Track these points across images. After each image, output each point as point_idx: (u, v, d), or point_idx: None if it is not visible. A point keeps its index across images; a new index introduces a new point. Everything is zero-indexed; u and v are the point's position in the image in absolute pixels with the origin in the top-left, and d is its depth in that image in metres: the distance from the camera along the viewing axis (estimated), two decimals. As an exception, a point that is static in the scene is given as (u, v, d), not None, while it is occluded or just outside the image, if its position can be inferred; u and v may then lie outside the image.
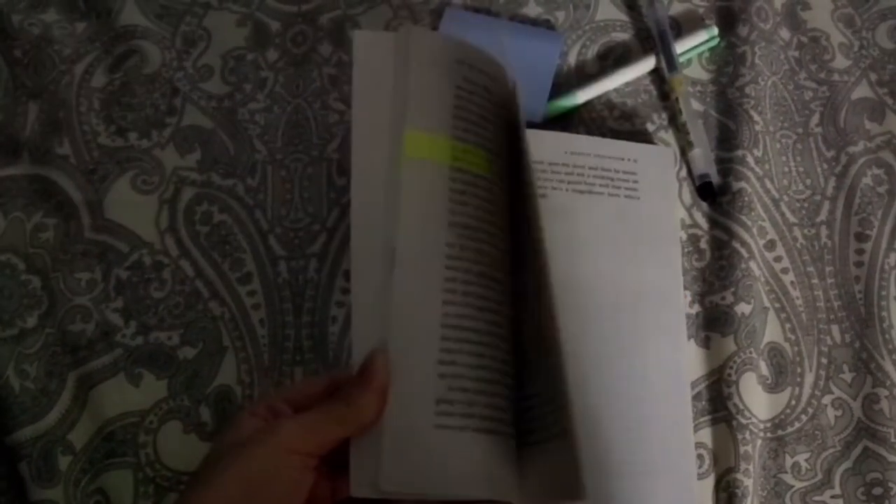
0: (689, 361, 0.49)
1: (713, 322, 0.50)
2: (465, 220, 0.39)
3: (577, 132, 0.55)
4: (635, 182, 0.52)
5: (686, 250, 0.52)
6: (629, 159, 0.53)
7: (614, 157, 0.53)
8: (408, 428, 0.36)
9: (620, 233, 0.51)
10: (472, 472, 0.38)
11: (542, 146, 0.52)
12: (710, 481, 0.47)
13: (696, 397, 0.49)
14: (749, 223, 0.52)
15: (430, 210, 0.39)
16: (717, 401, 0.49)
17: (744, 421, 0.48)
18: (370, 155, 0.39)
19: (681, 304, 0.50)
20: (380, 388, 0.34)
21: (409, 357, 0.37)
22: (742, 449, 0.47)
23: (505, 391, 0.39)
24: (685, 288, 0.51)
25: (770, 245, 0.53)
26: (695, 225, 0.53)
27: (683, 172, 0.54)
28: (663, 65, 0.56)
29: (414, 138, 0.40)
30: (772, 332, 0.51)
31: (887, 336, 0.51)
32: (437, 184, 0.39)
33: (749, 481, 0.47)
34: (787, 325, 0.51)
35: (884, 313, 0.51)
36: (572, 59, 0.57)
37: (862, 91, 0.58)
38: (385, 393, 0.34)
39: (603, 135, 0.55)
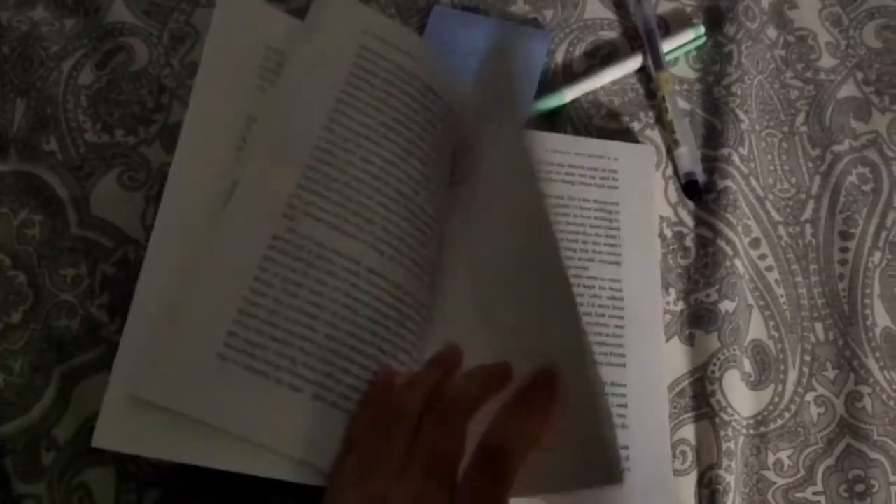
0: (667, 360, 0.49)
1: (697, 319, 0.51)
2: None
3: (564, 130, 0.55)
4: (615, 180, 0.52)
5: (671, 248, 0.53)
6: (610, 158, 0.53)
7: (595, 156, 0.53)
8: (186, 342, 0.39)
9: (599, 231, 0.51)
10: (246, 414, 0.39)
11: None
12: (692, 478, 0.47)
13: (679, 394, 0.49)
14: (734, 221, 0.52)
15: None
16: (701, 397, 0.49)
17: (726, 418, 0.48)
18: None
19: (659, 302, 0.50)
20: None
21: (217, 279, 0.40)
22: (724, 445, 0.47)
23: (343, 363, 0.41)
24: (670, 285, 0.51)
25: (755, 243, 0.53)
26: (680, 223, 0.53)
27: (669, 170, 0.55)
28: (650, 63, 0.57)
29: None
30: (755, 329, 0.51)
31: (870, 334, 0.51)
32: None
33: (731, 478, 0.47)
34: (771, 323, 0.51)
35: (867, 311, 0.52)
36: (559, 58, 0.58)
37: (848, 90, 0.58)
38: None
39: (590, 133, 0.55)
